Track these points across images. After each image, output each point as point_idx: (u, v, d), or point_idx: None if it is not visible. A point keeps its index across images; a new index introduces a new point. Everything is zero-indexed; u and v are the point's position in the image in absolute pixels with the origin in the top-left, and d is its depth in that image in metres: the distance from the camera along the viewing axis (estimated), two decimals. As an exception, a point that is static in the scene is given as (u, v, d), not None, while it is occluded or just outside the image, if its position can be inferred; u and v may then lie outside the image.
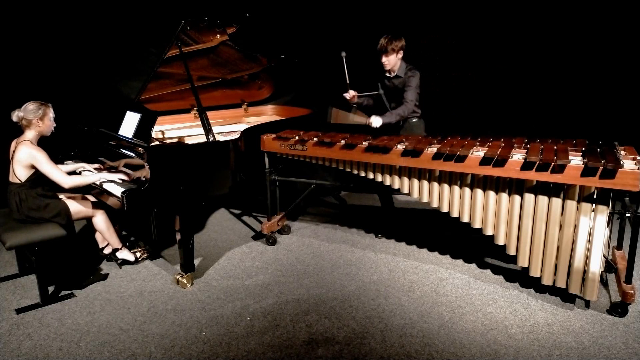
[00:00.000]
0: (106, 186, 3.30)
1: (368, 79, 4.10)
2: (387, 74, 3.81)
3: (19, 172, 3.09)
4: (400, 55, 3.70)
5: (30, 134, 3.13)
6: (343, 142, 3.47)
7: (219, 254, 3.82)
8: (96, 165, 3.65)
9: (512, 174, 2.88)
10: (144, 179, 3.17)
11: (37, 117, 3.10)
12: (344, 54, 3.75)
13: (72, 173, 3.54)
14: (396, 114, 3.68)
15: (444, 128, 3.98)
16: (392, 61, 3.70)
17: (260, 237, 4.11)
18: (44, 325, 2.89)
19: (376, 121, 3.63)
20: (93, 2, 5.15)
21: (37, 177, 3.12)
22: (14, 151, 3.13)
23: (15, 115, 3.09)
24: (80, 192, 3.45)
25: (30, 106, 3.09)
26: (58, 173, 3.10)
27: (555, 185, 2.80)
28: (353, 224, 4.40)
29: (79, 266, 3.61)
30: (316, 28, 5.38)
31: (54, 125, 3.23)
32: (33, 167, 3.09)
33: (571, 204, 2.78)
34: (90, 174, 3.41)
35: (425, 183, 3.30)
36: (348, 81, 3.82)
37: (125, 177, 3.33)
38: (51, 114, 3.19)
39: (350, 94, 3.86)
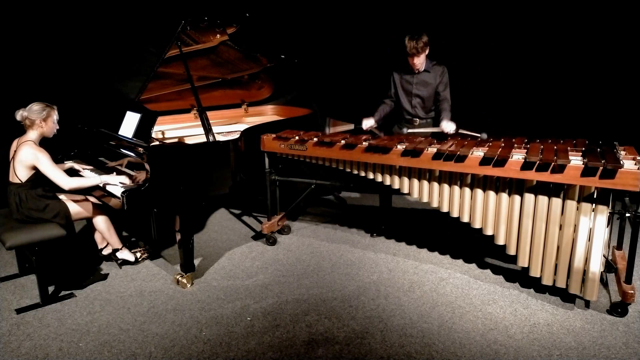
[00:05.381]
0: (107, 186, 3.30)
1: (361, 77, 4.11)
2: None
3: (20, 173, 3.09)
4: (427, 51, 3.64)
5: (32, 135, 3.13)
6: (343, 142, 3.47)
7: (219, 254, 3.82)
8: (90, 168, 3.64)
9: (512, 174, 2.88)
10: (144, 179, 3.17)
11: (41, 118, 3.10)
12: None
13: (72, 171, 3.55)
14: (449, 112, 3.73)
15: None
16: (422, 60, 3.67)
17: (260, 237, 4.11)
18: (44, 325, 2.89)
19: (450, 127, 3.63)
20: (93, 2, 5.15)
21: (38, 178, 3.12)
22: (14, 151, 3.13)
23: (20, 115, 3.09)
24: (81, 193, 3.45)
25: (35, 107, 3.10)
26: (60, 175, 3.10)
27: (555, 185, 2.80)
28: (353, 224, 4.39)
29: (79, 266, 3.61)
30: (316, 28, 5.38)
31: (57, 127, 3.23)
32: (34, 167, 3.09)
33: (571, 204, 2.78)
34: (91, 176, 3.37)
35: (425, 183, 3.30)
36: (377, 129, 3.97)
37: (126, 181, 3.27)
38: (55, 116, 3.19)
39: (366, 125, 3.94)
